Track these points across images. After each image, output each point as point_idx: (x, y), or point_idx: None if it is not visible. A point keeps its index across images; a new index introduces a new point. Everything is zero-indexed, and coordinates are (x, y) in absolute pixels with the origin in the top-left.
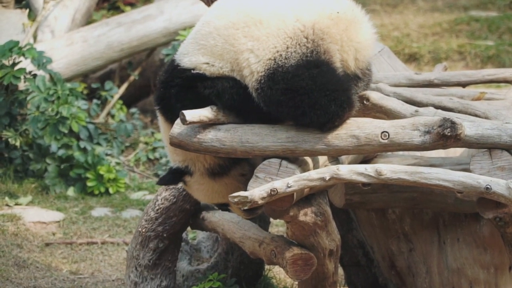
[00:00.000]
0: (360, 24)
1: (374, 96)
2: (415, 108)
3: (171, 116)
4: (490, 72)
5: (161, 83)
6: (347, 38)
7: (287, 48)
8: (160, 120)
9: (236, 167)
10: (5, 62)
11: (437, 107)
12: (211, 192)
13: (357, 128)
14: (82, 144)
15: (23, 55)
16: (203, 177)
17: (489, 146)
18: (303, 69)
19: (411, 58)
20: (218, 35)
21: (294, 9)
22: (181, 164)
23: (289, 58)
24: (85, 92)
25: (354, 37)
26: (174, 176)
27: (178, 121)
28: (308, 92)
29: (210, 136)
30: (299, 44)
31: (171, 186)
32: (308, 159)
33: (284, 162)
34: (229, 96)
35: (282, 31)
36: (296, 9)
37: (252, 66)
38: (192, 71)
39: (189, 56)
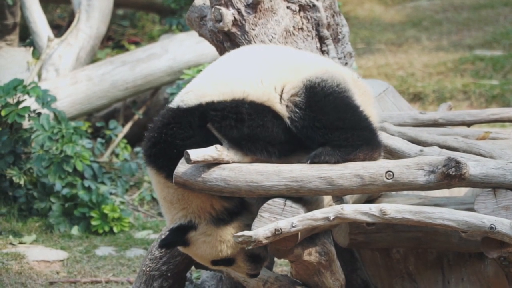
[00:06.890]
0: (372, 101)
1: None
2: (419, 147)
3: (165, 165)
4: (495, 111)
5: (156, 129)
6: (365, 101)
7: (322, 74)
8: (152, 173)
9: (243, 212)
10: (10, 100)
11: (441, 146)
12: (219, 242)
13: (361, 167)
14: (87, 183)
15: (28, 93)
16: (209, 227)
17: (493, 186)
18: (343, 93)
19: (416, 98)
20: (246, 59)
21: (323, 61)
22: (183, 220)
23: (326, 81)
24: (89, 131)
25: (368, 105)
26: (178, 233)
27: (182, 160)
28: (354, 111)
29: (214, 176)
30: (332, 77)
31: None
32: (313, 198)
33: (289, 202)
34: (245, 120)
35: (316, 64)
36: (324, 61)
37: (291, 77)
38: (202, 104)
39: (196, 91)
